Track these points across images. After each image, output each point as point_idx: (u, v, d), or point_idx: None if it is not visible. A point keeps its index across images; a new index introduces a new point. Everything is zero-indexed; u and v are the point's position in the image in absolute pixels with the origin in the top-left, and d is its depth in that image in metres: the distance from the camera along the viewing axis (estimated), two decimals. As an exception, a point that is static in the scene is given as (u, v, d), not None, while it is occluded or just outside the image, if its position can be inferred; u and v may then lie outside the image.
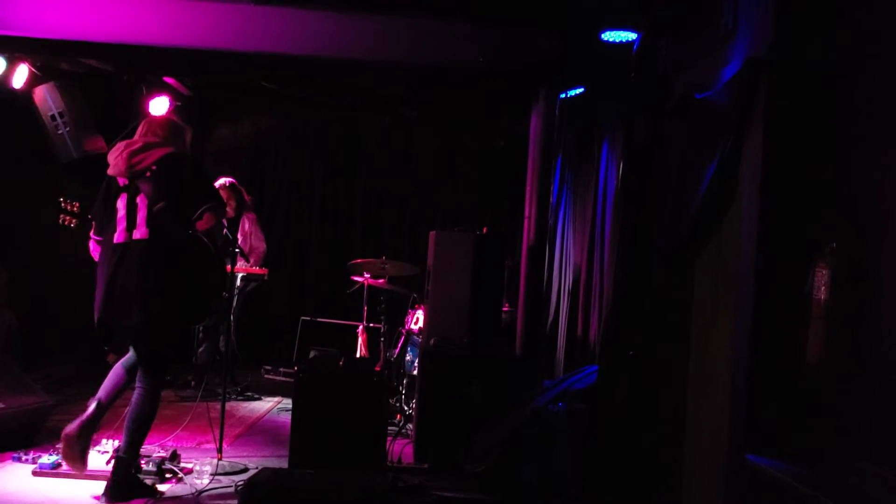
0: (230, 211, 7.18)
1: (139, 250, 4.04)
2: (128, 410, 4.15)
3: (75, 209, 4.71)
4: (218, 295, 4.36)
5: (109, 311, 4.06)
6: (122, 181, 4.16)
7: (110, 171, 4.19)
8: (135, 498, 4.12)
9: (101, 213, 4.23)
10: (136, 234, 4.06)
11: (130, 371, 4.21)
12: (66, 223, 4.71)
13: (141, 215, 4.07)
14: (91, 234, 4.32)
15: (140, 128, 4.34)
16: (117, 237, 4.09)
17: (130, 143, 4.20)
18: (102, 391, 4.17)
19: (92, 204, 4.37)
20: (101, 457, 4.41)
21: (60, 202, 4.74)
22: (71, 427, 4.07)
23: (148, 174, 4.09)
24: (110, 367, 4.33)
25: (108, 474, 4.15)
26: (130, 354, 4.23)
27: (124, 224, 4.09)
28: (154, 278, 4.03)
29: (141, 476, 4.31)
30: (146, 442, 4.91)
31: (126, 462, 4.10)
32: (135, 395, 4.15)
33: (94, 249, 4.31)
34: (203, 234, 4.18)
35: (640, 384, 4.21)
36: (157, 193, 4.07)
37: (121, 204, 4.12)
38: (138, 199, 4.09)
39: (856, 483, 2.70)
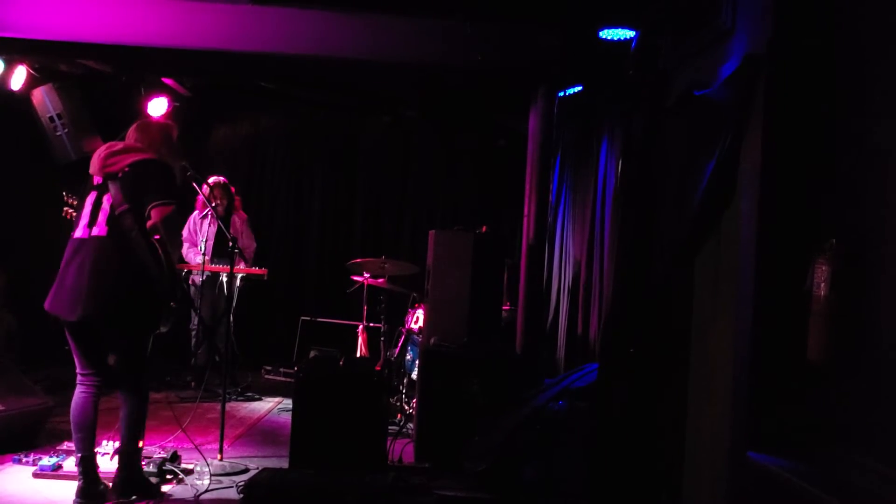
0: (220, 209, 7.17)
1: (94, 247, 4.05)
2: (120, 415, 4.16)
3: (75, 203, 4.74)
4: (163, 304, 4.28)
5: (55, 304, 4.06)
6: (96, 180, 4.20)
7: (90, 170, 4.24)
8: (140, 494, 4.14)
9: (78, 210, 4.29)
10: (95, 231, 4.07)
11: (94, 386, 4.17)
12: (69, 216, 4.76)
13: (103, 214, 4.09)
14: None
15: (130, 131, 4.36)
16: (78, 233, 4.12)
17: (113, 144, 4.25)
18: (77, 443, 4.09)
19: None
20: (101, 459, 4.40)
21: (63, 195, 4.78)
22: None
23: (119, 175, 4.12)
24: (109, 369, 4.31)
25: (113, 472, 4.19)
26: (80, 375, 4.19)
27: (86, 220, 4.11)
28: (103, 276, 4.01)
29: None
30: (147, 443, 4.92)
31: (130, 455, 4.12)
32: (120, 401, 4.16)
33: None
34: (159, 242, 4.13)
35: (641, 382, 4.20)
36: (123, 196, 4.08)
37: (88, 201, 4.16)
38: (104, 199, 4.12)
39: (858, 480, 2.70)
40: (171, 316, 4.19)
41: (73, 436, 4.11)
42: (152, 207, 4.03)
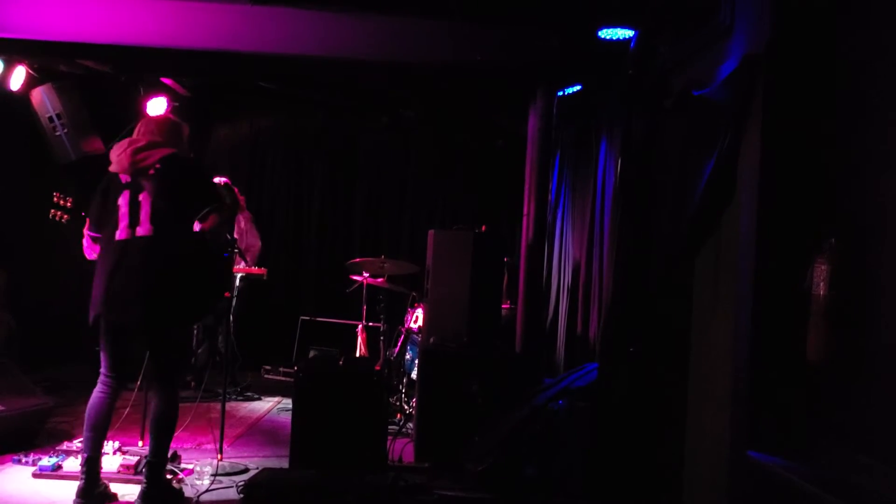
0: None
1: (142, 247, 4.02)
2: (150, 415, 4.14)
3: (68, 204, 4.67)
4: (218, 295, 4.32)
5: (108, 308, 4.03)
6: (124, 178, 4.13)
7: (112, 168, 4.16)
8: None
9: (100, 210, 4.20)
10: (140, 231, 4.03)
11: (114, 388, 4.16)
12: (58, 218, 4.67)
13: (144, 212, 4.04)
14: (85, 230, 4.28)
15: (140, 126, 4.30)
16: (119, 234, 4.06)
17: (134, 140, 4.18)
18: (86, 442, 4.07)
19: (88, 202, 4.35)
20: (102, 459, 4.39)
21: (54, 197, 4.69)
22: (76, 502, 4.03)
23: (151, 172, 4.09)
24: (130, 370, 4.31)
25: (117, 476, 4.24)
26: (103, 375, 4.17)
27: (126, 221, 4.05)
28: (155, 276, 4.01)
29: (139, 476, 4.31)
30: (145, 443, 4.91)
31: (157, 466, 4.07)
32: (154, 400, 4.13)
33: (89, 246, 4.26)
34: (206, 234, 4.17)
35: (641, 382, 4.21)
36: (160, 192, 4.06)
37: (122, 201, 4.09)
38: (141, 197, 4.07)
39: (858, 479, 2.70)
40: (220, 306, 4.22)
41: (84, 434, 4.08)
42: (209, 212, 4.10)
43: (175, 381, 4.24)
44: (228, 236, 5.28)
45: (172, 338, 4.19)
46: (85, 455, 4.05)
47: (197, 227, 4.16)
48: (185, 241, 4.10)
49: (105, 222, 4.15)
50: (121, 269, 4.01)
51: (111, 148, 4.26)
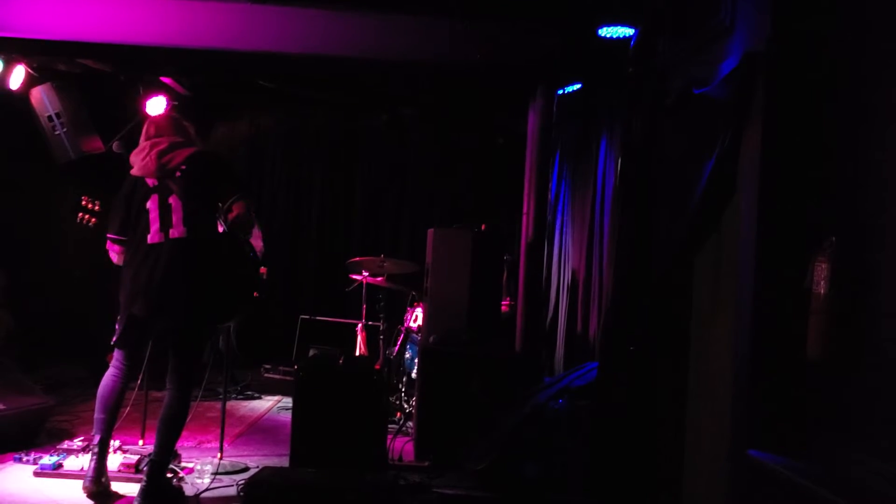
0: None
1: (178, 250, 4.02)
2: (161, 412, 4.12)
3: (96, 208, 4.66)
4: (251, 292, 4.33)
5: (146, 310, 4.02)
6: (150, 182, 4.11)
7: (137, 172, 4.13)
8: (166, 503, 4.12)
9: (124, 213, 4.16)
10: (174, 234, 4.02)
11: (126, 374, 4.18)
12: (85, 221, 4.68)
13: (176, 215, 4.03)
14: (108, 234, 4.24)
15: (151, 128, 4.25)
16: (151, 238, 4.04)
17: (155, 143, 4.14)
18: (99, 423, 4.09)
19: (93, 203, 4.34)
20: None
21: (82, 200, 4.70)
22: (86, 483, 4.04)
23: (178, 174, 4.08)
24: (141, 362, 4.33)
25: (118, 475, 4.26)
26: (118, 361, 4.19)
27: (158, 225, 4.04)
28: (193, 277, 4.02)
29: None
30: (146, 442, 4.92)
31: (160, 465, 4.06)
32: (167, 397, 4.11)
33: (111, 248, 4.24)
34: (234, 230, 4.16)
35: (641, 381, 4.21)
36: (189, 192, 4.05)
37: (152, 205, 4.06)
38: (171, 200, 4.05)
39: (860, 477, 2.70)
40: (252, 303, 4.27)
41: (95, 416, 4.10)
42: (233, 201, 4.09)
43: (192, 382, 4.24)
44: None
45: (203, 337, 4.20)
46: (97, 437, 4.07)
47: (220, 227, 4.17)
48: (218, 240, 4.11)
49: (131, 227, 4.12)
50: (157, 273, 4.00)
51: (109, 146, 4.25)
